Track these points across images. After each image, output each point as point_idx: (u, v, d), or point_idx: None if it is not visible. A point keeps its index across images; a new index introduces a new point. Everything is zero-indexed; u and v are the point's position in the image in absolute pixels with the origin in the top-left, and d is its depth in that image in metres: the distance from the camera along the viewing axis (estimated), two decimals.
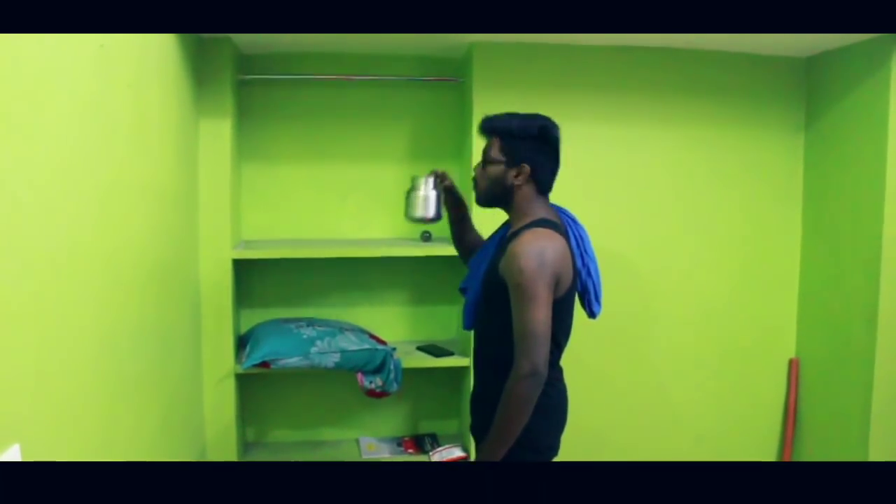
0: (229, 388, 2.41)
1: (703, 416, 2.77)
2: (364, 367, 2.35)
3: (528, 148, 1.72)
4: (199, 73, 2.26)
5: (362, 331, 2.51)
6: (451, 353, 2.55)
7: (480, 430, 1.78)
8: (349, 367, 2.34)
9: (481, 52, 2.47)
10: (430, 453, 2.56)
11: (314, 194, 2.67)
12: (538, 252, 1.58)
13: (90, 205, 1.28)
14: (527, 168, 1.72)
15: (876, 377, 2.33)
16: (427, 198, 2.43)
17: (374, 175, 2.68)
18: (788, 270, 2.75)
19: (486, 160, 1.78)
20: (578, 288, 1.78)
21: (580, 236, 1.82)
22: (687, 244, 2.70)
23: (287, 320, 2.50)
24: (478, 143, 1.84)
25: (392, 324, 2.74)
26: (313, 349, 2.29)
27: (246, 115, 2.57)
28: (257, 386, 2.64)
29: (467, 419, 2.11)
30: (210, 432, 2.39)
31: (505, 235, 1.77)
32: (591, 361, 2.61)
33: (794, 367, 2.77)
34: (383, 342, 2.45)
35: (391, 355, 2.39)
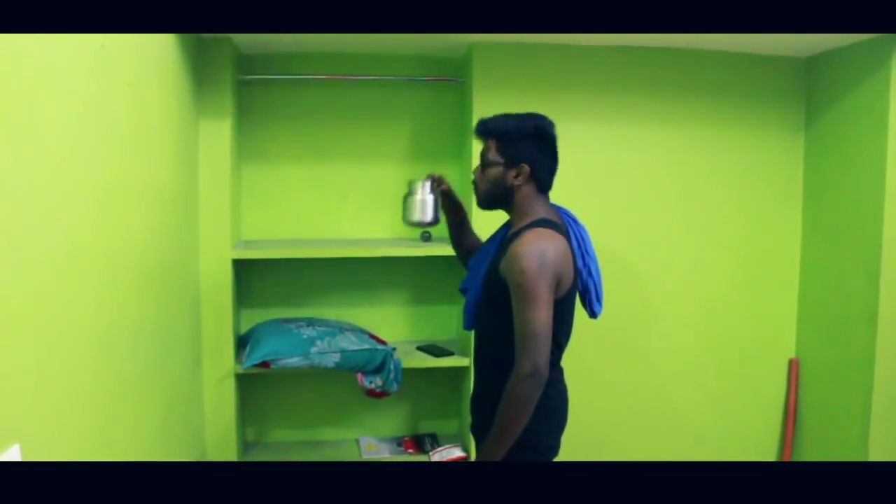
0: (229, 388, 2.41)
1: (703, 416, 2.77)
2: (364, 367, 2.35)
3: (526, 147, 1.72)
4: (199, 73, 2.25)
5: (362, 331, 2.51)
6: (451, 353, 2.55)
7: (481, 430, 1.78)
8: (349, 367, 2.34)
9: (481, 52, 2.47)
10: (430, 453, 2.56)
11: (314, 194, 2.67)
12: (539, 252, 1.58)
13: (90, 205, 1.28)
14: (526, 168, 1.71)
15: (876, 377, 2.33)
16: (424, 202, 2.44)
17: (373, 175, 2.68)
18: (788, 270, 2.75)
19: (485, 163, 1.77)
20: (579, 288, 1.78)
21: (581, 236, 1.81)
22: (687, 244, 2.70)
23: (287, 320, 2.50)
24: (478, 143, 1.83)
25: (392, 324, 2.74)
26: (313, 349, 2.29)
27: (246, 116, 2.57)
28: (257, 386, 2.64)
29: (467, 419, 2.11)
30: (210, 432, 2.39)
31: (506, 236, 1.76)
32: (591, 361, 2.60)
33: (794, 367, 2.77)
34: (383, 342, 2.45)
35: (391, 355, 2.39)
